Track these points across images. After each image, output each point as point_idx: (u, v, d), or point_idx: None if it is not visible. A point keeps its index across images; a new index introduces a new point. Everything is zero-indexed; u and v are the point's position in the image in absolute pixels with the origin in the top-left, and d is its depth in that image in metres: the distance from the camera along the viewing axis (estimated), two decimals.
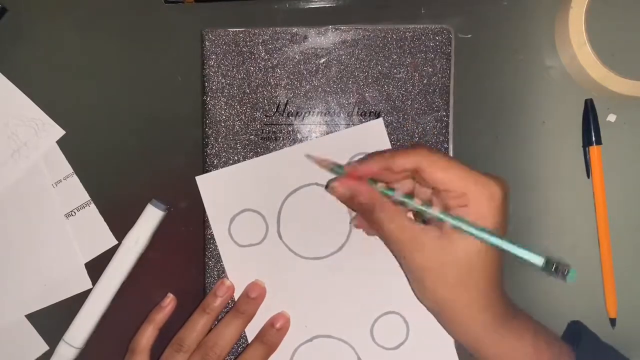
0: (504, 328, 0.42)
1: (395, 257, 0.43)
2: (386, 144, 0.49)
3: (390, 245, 0.43)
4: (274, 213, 0.49)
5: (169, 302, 0.50)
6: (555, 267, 0.37)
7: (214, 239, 0.50)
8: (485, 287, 0.41)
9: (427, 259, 0.41)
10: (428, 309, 0.44)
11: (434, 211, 0.41)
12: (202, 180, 0.49)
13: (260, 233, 0.50)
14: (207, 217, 0.49)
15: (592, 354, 0.44)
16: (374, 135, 0.48)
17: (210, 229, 0.50)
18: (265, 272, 0.49)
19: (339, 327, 0.49)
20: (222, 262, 0.50)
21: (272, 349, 0.48)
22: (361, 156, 0.48)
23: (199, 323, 0.48)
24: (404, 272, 0.44)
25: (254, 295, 0.48)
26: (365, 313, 0.49)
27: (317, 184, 0.49)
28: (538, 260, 0.37)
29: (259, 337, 0.49)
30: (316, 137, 0.49)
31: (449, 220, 0.40)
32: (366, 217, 0.44)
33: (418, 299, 0.44)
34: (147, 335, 0.49)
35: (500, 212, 0.40)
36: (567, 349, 0.44)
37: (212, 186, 0.49)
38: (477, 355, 0.44)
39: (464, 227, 0.40)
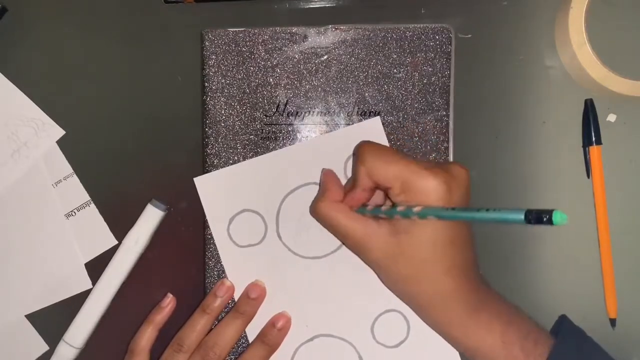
0: (472, 319, 0.42)
1: (353, 252, 0.44)
2: (384, 142, 0.49)
3: (344, 241, 0.44)
4: (272, 213, 0.49)
5: (169, 303, 0.50)
6: (537, 217, 0.33)
7: (214, 239, 0.50)
8: (444, 279, 0.41)
9: (381, 255, 0.42)
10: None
11: (400, 210, 0.40)
12: (200, 182, 0.49)
13: (259, 233, 0.50)
14: (207, 217, 0.49)
15: (572, 346, 0.44)
16: (371, 133, 0.49)
17: (210, 228, 0.50)
18: (264, 272, 0.49)
19: (339, 326, 0.49)
20: (222, 262, 0.50)
21: (273, 349, 0.48)
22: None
23: (199, 323, 0.48)
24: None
25: (254, 296, 0.48)
26: (365, 311, 0.49)
27: (315, 183, 0.49)
28: (518, 216, 0.34)
29: (260, 337, 0.49)
30: (314, 137, 0.49)
31: (412, 214, 0.40)
32: (317, 213, 0.44)
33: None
34: (147, 336, 0.49)
35: (447, 202, 0.40)
36: (546, 340, 0.43)
37: (210, 187, 0.49)
38: (450, 344, 0.44)
39: (428, 212, 0.39)
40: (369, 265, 0.44)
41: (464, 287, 0.42)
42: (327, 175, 0.46)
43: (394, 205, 0.42)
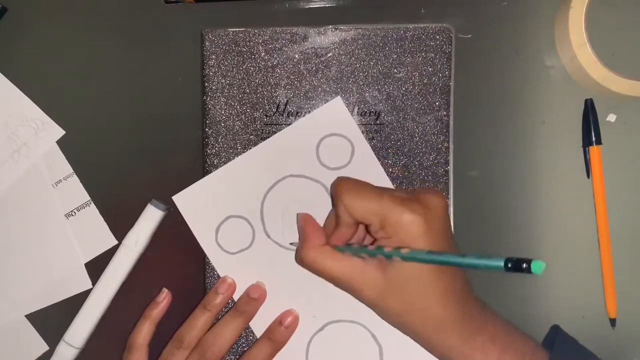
0: (467, 344, 0.41)
1: (346, 292, 0.44)
2: (350, 122, 0.49)
3: (335, 284, 0.43)
4: (256, 214, 0.49)
5: (164, 297, 0.50)
6: (515, 265, 0.33)
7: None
8: (435, 308, 0.41)
9: (372, 292, 0.42)
10: None
11: (386, 251, 0.40)
12: (179, 199, 0.49)
13: (247, 237, 0.50)
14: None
15: (565, 357, 0.43)
16: (336, 115, 0.49)
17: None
18: (262, 273, 0.49)
19: (345, 309, 0.49)
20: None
21: (279, 346, 0.48)
22: (329, 137, 0.49)
23: (199, 320, 0.48)
24: None
25: (255, 296, 0.48)
26: None
27: (292, 175, 0.49)
28: (498, 264, 0.34)
29: (267, 334, 0.49)
30: (280, 131, 0.49)
31: (395, 257, 0.40)
32: (303, 263, 0.44)
33: None
34: (144, 332, 0.49)
35: (426, 235, 0.40)
36: (542, 358, 0.42)
37: (190, 202, 0.49)
38: None
39: (411, 257, 0.39)
40: (362, 302, 0.43)
41: (457, 314, 0.41)
42: (304, 221, 0.46)
43: (375, 240, 0.43)
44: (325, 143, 0.49)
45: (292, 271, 0.49)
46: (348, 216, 0.42)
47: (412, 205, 0.40)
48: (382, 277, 0.41)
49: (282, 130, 0.49)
